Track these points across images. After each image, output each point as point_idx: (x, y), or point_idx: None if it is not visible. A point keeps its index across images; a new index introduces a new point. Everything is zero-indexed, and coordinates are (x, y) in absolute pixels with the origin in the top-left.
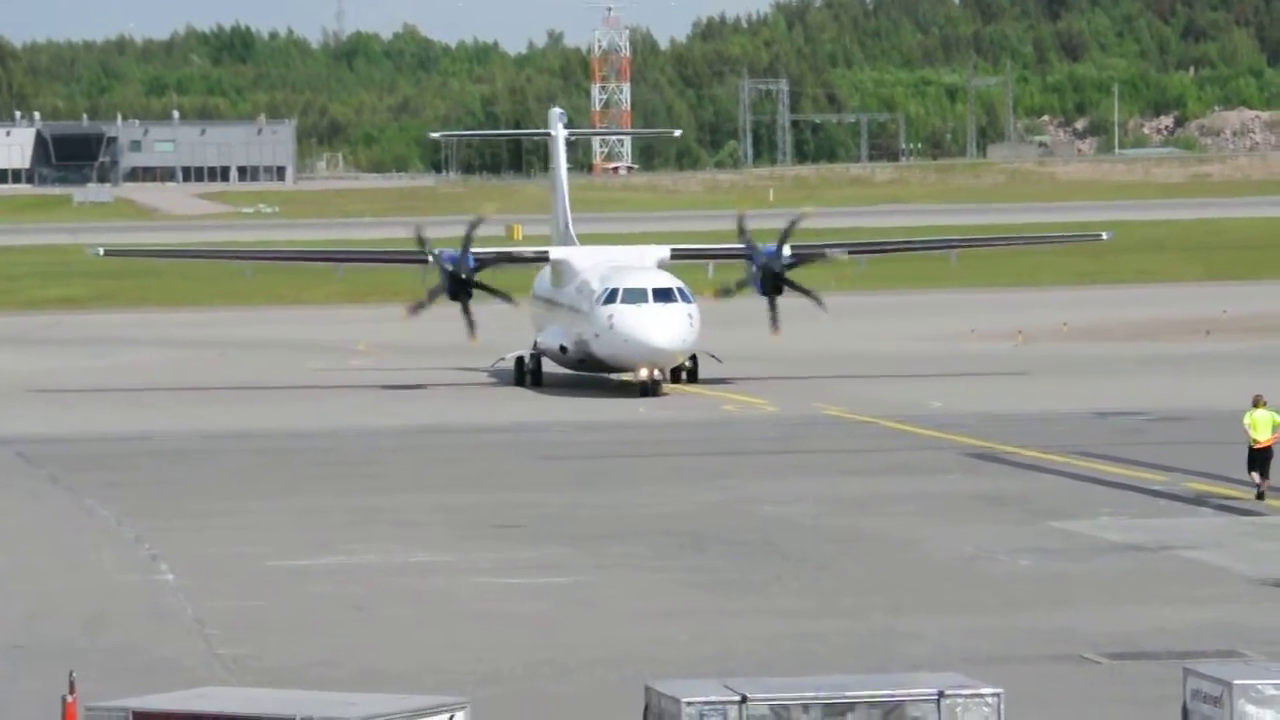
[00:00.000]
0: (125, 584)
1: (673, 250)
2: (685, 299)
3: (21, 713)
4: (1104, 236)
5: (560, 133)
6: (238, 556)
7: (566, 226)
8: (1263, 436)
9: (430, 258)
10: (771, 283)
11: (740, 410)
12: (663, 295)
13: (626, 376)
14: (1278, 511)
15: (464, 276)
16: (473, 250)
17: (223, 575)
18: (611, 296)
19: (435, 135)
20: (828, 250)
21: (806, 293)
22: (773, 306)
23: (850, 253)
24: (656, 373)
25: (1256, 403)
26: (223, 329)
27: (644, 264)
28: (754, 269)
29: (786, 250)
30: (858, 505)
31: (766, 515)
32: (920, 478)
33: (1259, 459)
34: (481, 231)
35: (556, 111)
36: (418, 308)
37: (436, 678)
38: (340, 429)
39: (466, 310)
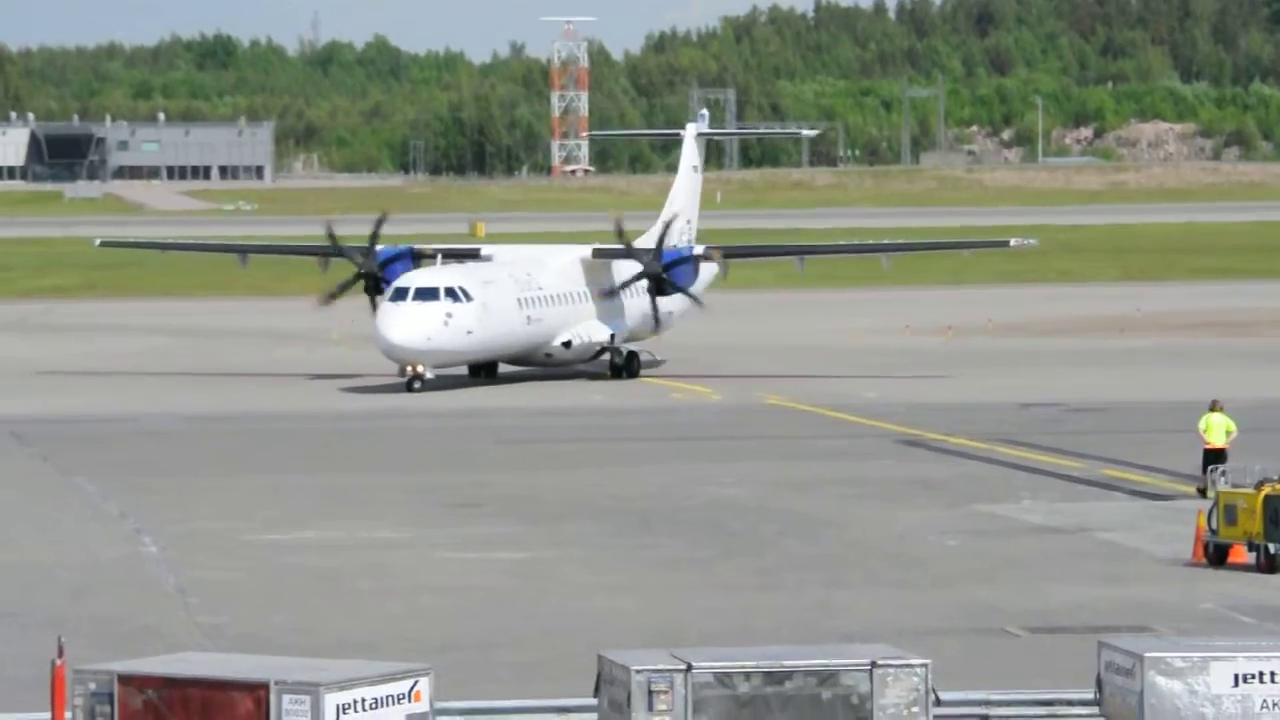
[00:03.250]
0: (111, 555)
1: (594, 249)
2: (456, 298)
3: (13, 675)
4: (1011, 243)
5: (689, 132)
6: (216, 530)
7: (665, 226)
8: (1217, 441)
9: (339, 252)
10: (654, 284)
11: (687, 398)
12: (425, 294)
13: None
14: (1186, 496)
15: (365, 271)
16: (384, 247)
17: (202, 548)
18: (389, 294)
19: (590, 134)
20: (711, 252)
21: (686, 293)
22: (654, 306)
23: (745, 255)
24: (420, 369)
25: (1213, 407)
26: (205, 318)
27: (535, 264)
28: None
29: (699, 249)
30: (797, 488)
31: (712, 497)
32: (855, 463)
33: (1214, 461)
34: (446, 229)
35: (702, 113)
36: (329, 298)
37: (401, 645)
38: (310, 412)
39: (374, 304)
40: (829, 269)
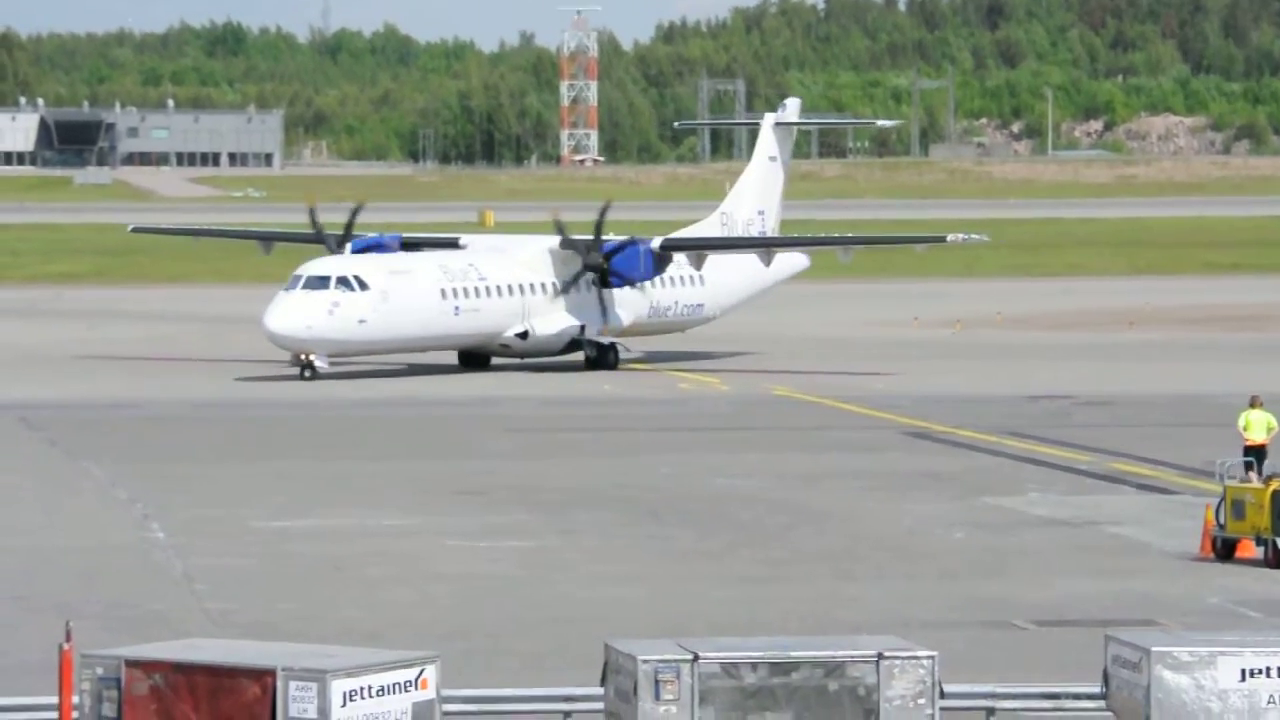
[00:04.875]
0: (119, 541)
1: (561, 240)
2: (350, 287)
3: (21, 659)
4: (947, 239)
5: (766, 121)
6: (223, 517)
7: (726, 214)
8: (1258, 438)
9: (325, 243)
10: (597, 275)
11: (695, 389)
12: (315, 283)
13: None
14: (1193, 490)
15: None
16: (368, 235)
17: (209, 534)
18: (288, 281)
19: (678, 125)
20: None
21: (627, 284)
22: (600, 299)
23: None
24: (312, 357)
25: (1253, 403)
26: (213, 304)
27: (503, 251)
28: (580, 262)
29: (656, 242)
30: (805, 480)
31: (720, 487)
32: (863, 455)
33: (1254, 457)
34: (455, 217)
35: (785, 102)
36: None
37: (408, 633)
38: (317, 399)
39: None
40: (835, 260)
